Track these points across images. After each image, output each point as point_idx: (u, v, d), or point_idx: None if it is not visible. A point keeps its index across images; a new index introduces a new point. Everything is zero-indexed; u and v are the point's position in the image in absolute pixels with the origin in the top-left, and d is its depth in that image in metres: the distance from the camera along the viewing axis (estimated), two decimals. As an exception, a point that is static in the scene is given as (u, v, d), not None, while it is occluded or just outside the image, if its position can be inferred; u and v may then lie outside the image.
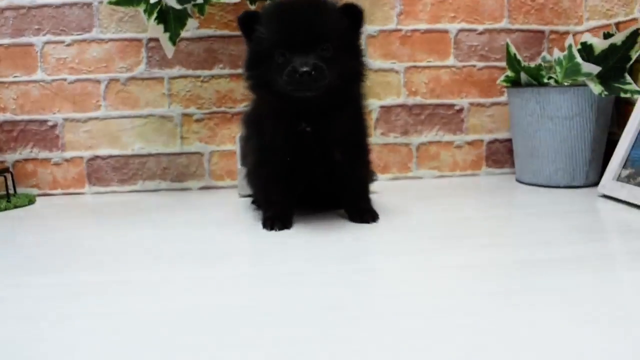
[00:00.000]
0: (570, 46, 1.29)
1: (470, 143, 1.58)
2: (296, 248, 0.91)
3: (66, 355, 0.55)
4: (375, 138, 1.53)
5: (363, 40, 1.48)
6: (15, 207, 1.34)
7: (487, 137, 1.58)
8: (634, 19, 1.34)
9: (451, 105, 1.56)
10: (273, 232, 1.00)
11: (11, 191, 1.40)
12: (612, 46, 1.30)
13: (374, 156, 1.50)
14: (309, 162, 1.02)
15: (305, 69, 0.89)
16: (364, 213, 1.06)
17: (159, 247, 0.95)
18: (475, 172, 1.59)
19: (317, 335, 0.58)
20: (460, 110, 1.56)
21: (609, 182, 1.24)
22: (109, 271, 0.83)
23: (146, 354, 0.54)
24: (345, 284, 0.73)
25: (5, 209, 1.32)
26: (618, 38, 1.30)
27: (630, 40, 1.29)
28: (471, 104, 1.56)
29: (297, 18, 0.94)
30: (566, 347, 0.53)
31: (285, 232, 1.01)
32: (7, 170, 1.39)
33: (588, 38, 1.33)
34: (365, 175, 1.11)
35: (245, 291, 0.74)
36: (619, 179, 1.22)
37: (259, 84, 1.00)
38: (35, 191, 1.48)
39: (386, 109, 1.53)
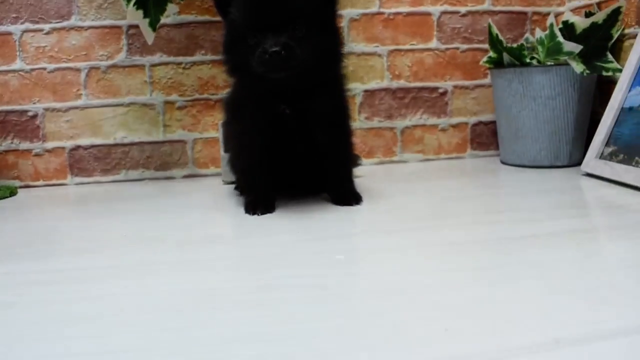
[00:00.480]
0: (551, 25, 1.29)
1: (454, 126, 1.58)
2: (278, 231, 0.90)
3: (51, 339, 0.54)
4: (360, 122, 1.53)
5: (344, 25, 1.47)
6: (-4, 198, 1.32)
7: (472, 120, 1.58)
8: (615, -2, 1.35)
9: (435, 88, 1.55)
10: (255, 216, 1.00)
11: (-8, 183, 1.39)
12: (594, 25, 1.30)
13: (359, 141, 1.50)
14: (290, 144, 1.02)
15: (274, 49, 0.89)
16: (347, 195, 1.05)
17: (143, 234, 0.94)
18: (460, 155, 1.59)
19: (300, 313, 0.57)
20: (444, 93, 1.56)
21: (592, 160, 1.24)
22: (93, 257, 0.82)
23: (131, 336, 0.54)
24: (327, 264, 0.73)
25: (-14, 201, 1.30)
26: (599, 16, 1.30)
27: (611, 19, 1.30)
28: (455, 87, 1.56)
29: None
30: (547, 317, 0.53)
31: (267, 215, 1.00)
32: (-13, 161, 1.37)
33: (569, 17, 1.33)
34: (347, 156, 1.10)
35: (228, 273, 0.73)
36: (601, 157, 1.23)
37: (235, 66, 1.00)
38: (17, 183, 1.46)
39: (370, 93, 1.52)
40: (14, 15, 1.41)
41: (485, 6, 1.54)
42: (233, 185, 1.27)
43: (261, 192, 1.04)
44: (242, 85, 1.03)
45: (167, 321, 0.57)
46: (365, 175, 1.35)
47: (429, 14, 1.52)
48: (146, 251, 0.83)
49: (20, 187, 1.45)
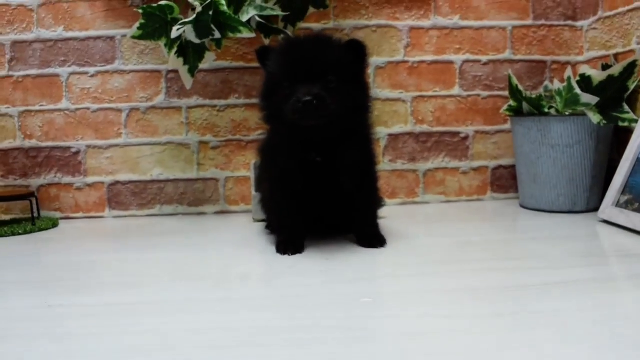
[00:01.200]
0: (569, 78, 1.35)
1: (475, 169, 1.64)
2: (308, 272, 0.96)
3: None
4: (384, 165, 1.59)
5: (371, 72, 1.55)
6: (40, 229, 1.41)
7: (492, 164, 1.64)
8: (631, 51, 1.40)
9: (457, 133, 1.62)
10: (286, 256, 1.06)
11: (35, 215, 1.48)
12: (610, 77, 1.36)
13: (383, 182, 1.57)
14: (320, 189, 1.08)
15: (307, 97, 0.96)
16: (372, 238, 1.12)
17: (179, 270, 1.01)
18: (481, 197, 1.64)
19: (326, 354, 0.63)
20: (466, 138, 1.62)
21: (608, 207, 1.28)
22: (138, 292, 0.88)
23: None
24: (354, 306, 0.79)
25: (30, 232, 1.38)
26: (616, 69, 1.36)
27: (627, 72, 1.35)
28: (476, 132, 1.62)
29: (303, 52, 1.02)
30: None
31: (297, 256, 1.06)
32: (32, 194, 1.46)
33: (586, 70, 1.38)
34: (373, 202, 1.17)
35: (263, 312, 0.79)
36: (618, 204, 1.27)
37: (271, 114, 1.07)
38: (58, 214, 1.55)
39: (394, 137, 1.60)
40: (63, 58, 1.52)
41: (506, 55, 1.61)
42: (263, 223, 1.33)
43: (292, 233, 1.11)
44: (276, 133, 1.11)
45: (212, 358, 0.63)
46: (388, 215, 1.41)
47: (451, 63, 1.60)
48: (187, 288, 0.90)
49: (61, 218, 1.54)
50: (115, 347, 0.66)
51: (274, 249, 1.11)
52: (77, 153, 1.54)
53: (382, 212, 1.32)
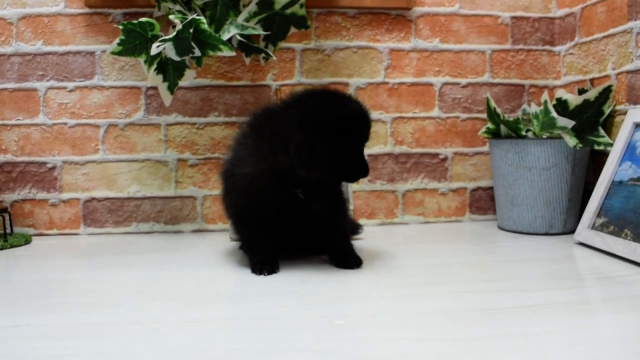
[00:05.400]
0: (545, 102, 1.37)
1: (454, 190, 1.64)
2: (282, 294, 0.95)
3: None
4: (363, 185, 1.59)
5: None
6: (12, 246, 1.38)
7: (471, 185, 1.65)
8: (607, 76, 1.43)
9: (436, 154, 1.63)
10: (262, 276, 1.05)
11: (8, 231, 1.45)
12: (586, 102, 1.38)
13: (362, 202, 1.57)
14: (293, 215, 1.09)
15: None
16: (348, 258, 1.11)
17: (152, 289, 1.00)
18: (459, 218, 1.65)
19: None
20: (445, 159, 1.63)
21: (584, 230, 1.30)
22: (103, 313, 0.87)
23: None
24: (328, 329, 0.78)
25: (2, 248, 1.35)
26: (591, 94, 1.38)
27: (603, 96, 1.38)
28: (455, 153, 1.63)
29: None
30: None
31: (272, 276, 1.05)
32: (5, 210, 1.43)
33: (563, 94, 1.41)
34: (345, 222, 1.18)
35: (235, 335, 0.78)
36: (593, 227, 1.28)
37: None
38: (31, 231, 1.52)
39: (374, 157, 1.60)
40: (41, 72, 1.51)
41: (485, 78, 1.63)
42: (239, 243, 1.32)
43: (265, 253, 1.10)
44: (275, 171, 1.05)
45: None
46: (366, 236, 1.41)
47: (431, 85, 1.61)
48: (158, 308, 0.88)
49: (34, 234, 1.51)
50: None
51: (249, 269, 1.10)
52: (53, 168, 1.52)
53: (360, 235, 1.32)
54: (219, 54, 1.27)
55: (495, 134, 1.49)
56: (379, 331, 0.77)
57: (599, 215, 1.29)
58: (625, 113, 1.35)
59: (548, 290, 0.95)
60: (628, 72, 1.35)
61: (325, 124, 1.00)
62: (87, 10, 1.50)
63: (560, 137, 1.38)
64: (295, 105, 1.03)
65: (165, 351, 0.70)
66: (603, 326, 0.79)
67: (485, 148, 1.64)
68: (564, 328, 0.77)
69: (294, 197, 1.07)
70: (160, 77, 1.33)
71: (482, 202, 1.66)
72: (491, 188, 1.64)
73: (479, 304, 0.88)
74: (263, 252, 1.10)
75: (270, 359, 0.67)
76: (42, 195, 1.52)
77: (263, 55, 1.39)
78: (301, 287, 0.98)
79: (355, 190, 1.58)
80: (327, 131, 0.99)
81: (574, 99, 1.39)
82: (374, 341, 0.73)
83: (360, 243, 1.18)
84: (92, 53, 1.51)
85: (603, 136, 1.38)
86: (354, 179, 1.08)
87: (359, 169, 1.05)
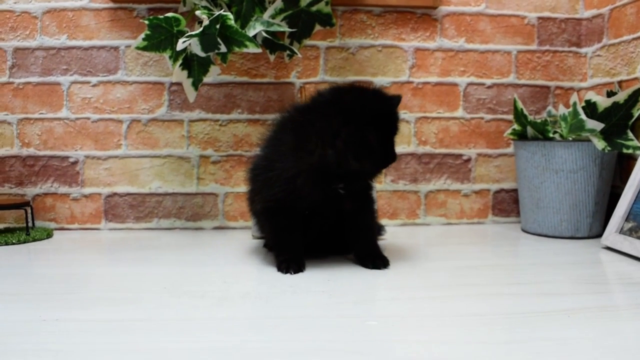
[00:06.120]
0: (574, 103, 1.35)
1: (477, 192, 1.63)
2: (310, 292, 0.94)
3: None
4: (385, 185, 1.58)
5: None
6: (34, 240, 1.38)
7: (494, 187, 1.63)
8: (636, 79, 1.41)
9: (459, 155, 1.61)
10: (288, 275, 1.04)
11: (30, 224, 1.45)
12: (615, 104, 1.36)
13: (384, 202, 1.55)
14: (325, 213, 1.09)
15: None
16: (376, 258, 1.10)
17: (179, 285, 0.99)
18: (482, 220, 1.63)
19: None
20: (468, 160, 1.61)
21: (612, 234, 1.27)
22: (131, 309, 0.86)
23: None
24: (358, 328, 0.77)
25: (24, 242, 1.36)
26: (621, 97, 1.36)
27: (632, 99, 1.35)
28: (479, 155, 1.62)
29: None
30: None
31: (298, 275, 1.04)
32: (27, 203, 1.43)
33: (592, 96, 1.38)
34: (374, 222, 1.17)
35: (266, 334, 0.77)
36: (621, 231, 1.26)
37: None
38: (52, 225, 1.52)
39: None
40: (65, 67, 1.51)
41: (510, 79, 1.61)
42: (262, 241, 1.31)
43: (293, 252, 1.09)
44: (321, 165, 1.03)
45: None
46: (388, 237, 1.39)
47: (456, 85, 1.60)
48: (187, 305, 0.87)
49: (56, 229, 1.51)
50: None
51: (274, 267, 1.09)
52: (75, 163, 1.52)
53: (382, 235, 1.31)
54: (245, 50, 1.26)
55: (521, 136, 1.47)
56: (413, 333, 0.76)
57: (627, 219, 1.27)
58: (655, 116, 1.33)
59: (577, 295, 0.93)
60: (659, 74, 1.33)
61: (374, 115, 1.02)
62: (111, 5, 1.50)
63: (587, 140, 1.36)
64: (337, 102, 1.02)
65: (197, 349, 0.69)
66: (632, 333, 0.77)
67: (509, 150, 1.62)
68: (601, 333, 0.75)
69: (333, 192, 1.06)
70: (185, 72, 1.33)
71: (505, 205, 1.64)
72: (514, 190, 1.62)
73: (509, 307, 0.87)
74: (291, 250, 1.09)
75: (305, 359, 0.66)
76: (63, 189, 1.52)
77: (288, 52, 1.38)
78: (328, 286, 0.97)
79: (377, 190, 1.57)
80: (375, 122, 1.02)
81: (603, 101, 1.37)
82: (409, 343, 0.72)
83: (382, 243, 1.17)
84: (116, 48, 1.51)
85: (632, 139, 1.36)
86: (386, 165, 1.08)
87: (393, 156, 1.07)
